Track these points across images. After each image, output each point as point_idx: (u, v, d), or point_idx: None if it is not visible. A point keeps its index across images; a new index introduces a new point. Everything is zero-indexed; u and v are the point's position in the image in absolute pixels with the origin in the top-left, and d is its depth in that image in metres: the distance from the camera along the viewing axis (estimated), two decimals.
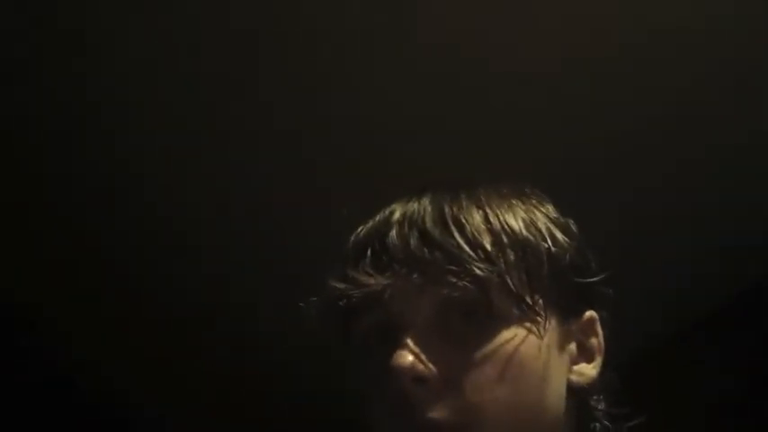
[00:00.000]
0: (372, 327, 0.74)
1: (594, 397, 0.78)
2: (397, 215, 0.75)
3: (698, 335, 2.18)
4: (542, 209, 0.79)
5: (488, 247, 0.72)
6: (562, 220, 0.80)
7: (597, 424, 0.78)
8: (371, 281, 0.72)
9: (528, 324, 0.72)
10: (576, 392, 0.76)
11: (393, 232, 0.73)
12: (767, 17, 1.68)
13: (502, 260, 0.72)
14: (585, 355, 0.78)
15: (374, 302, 0.73)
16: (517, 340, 0.72)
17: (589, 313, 0.78)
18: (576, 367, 0.76)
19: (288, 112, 1.94)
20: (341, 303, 0.74)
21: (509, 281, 0.71)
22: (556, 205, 0.82)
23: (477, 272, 0.70)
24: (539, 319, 0.72)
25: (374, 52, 1.80)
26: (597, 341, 0.78)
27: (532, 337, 0.72)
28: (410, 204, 0.76)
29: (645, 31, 1.73)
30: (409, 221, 0.74)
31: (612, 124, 1.91)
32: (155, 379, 2.71)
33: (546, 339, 0.73)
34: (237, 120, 1.97)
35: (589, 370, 0.77)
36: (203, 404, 2.78)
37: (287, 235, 2.21)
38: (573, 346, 0.77)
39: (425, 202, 0.76)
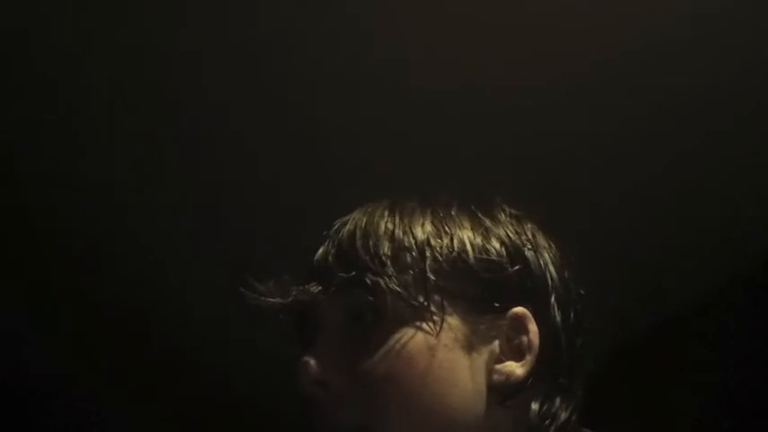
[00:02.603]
0: (295, 335, 0.80)
1: (535, 400, 0.75)
2: (333, 229, 0.80)
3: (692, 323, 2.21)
4: (485, 220, 0.79)
5: (384, 253, 0.75)
6: (506, 229, 0.79)
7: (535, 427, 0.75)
8: (291, 292, 0.77)
9: (420, 323, 0.73)
10: (504, 393, 0.74)
11: (321, 248, 0.79)
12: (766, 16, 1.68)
13: (394, 264, 0.75)
14: (514, 353, 0.75)
15: (294, 311, 0.78)
16: (406, 339, 0.73)
17: (516, 309, 0.76)
18: (498, 366, 0.74)
19: (289, 124, 1.94)
20: (269, 312, 0.78)
21: (396, 284, 0.74)
22: (542, 224, 0.82)
23: (368, 279, 0.74)
24: (433, 318, 0.73)
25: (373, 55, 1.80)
26: (527, 338, 0.75)
27: (424, 336, 0.73)
28: (349, 217, 0.80)
29: (644, 32, 1.73)
30: (334, 235, 0.79)
31: (611, 122, 1.91)
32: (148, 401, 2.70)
33: (444, 338, 0.73)
34: (239, 126, 1.96)
35: (516, 368, 0.74)
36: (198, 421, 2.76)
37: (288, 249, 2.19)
38: (495, 344, 0.75)
39: (358, 215, 0.80)
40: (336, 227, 0.80)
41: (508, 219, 0.81)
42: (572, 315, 0.78)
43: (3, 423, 2.49)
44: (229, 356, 2.57)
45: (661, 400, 2.10)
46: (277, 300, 0.77)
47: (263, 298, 0.77)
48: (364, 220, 0.78)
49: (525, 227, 0.81)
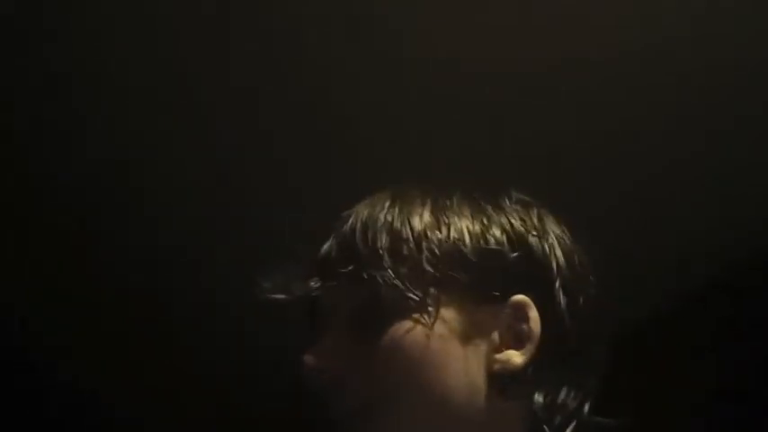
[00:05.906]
0: (308, 327, 0.81)
1: (539, 391, 0.74)
2: (339, 222, 0.81)
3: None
4: (486, 207, 0.79)
5: (382, 246, 0.76)
6: (509, 216, 0.79)
7: (546, 423, 0.74)
8: (297, 287, 0.79)
9: (416, 315, 0.74)
10: (503, 382, 0.73)
11: (326, 243, 0.80)
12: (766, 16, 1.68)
13: (391, 257, 0.75)
14: (515, 341, 0.75)
15: (302, 305, 0.80)
16: (403, 331, 0.74)
17: (517, 297, 0.75)
18: (498, 355, 0.74)
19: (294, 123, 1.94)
20: (278, 307, 0.79)
21: (392, 277, 0.74)
22: (556, 213, 0.82)
23: (365, 274, 0.75)
24: (428, 309, 0.74)
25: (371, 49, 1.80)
26: (527, 326, 0.74)
27: (420, 328, 0.74)
28: (353, 210, 0.81)
29: (644, 32, 1.73)
30: (338, 229, 0.80)
31: (611, 122, 1.92)
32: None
33: (438, 329, 0.74)
34: (257, 124, 1.97)
35: (514, 357, 0.74)
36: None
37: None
38: (495, 334, 0.75)
39: (361, 207, 0.80)
40: (341, 220, 0.80)
41: (513, 205, 0.81)
42: (581, 301, 0.77)
43: (3, 422, 2.49)
44: (233, 357, 2.57)
45: (662, 389, 2.09)
46: (283, 295, 0.79)
47: (269, 294, 0.79)
48: (365, 212, 0.79)
49: (531, 212, 0.80)
